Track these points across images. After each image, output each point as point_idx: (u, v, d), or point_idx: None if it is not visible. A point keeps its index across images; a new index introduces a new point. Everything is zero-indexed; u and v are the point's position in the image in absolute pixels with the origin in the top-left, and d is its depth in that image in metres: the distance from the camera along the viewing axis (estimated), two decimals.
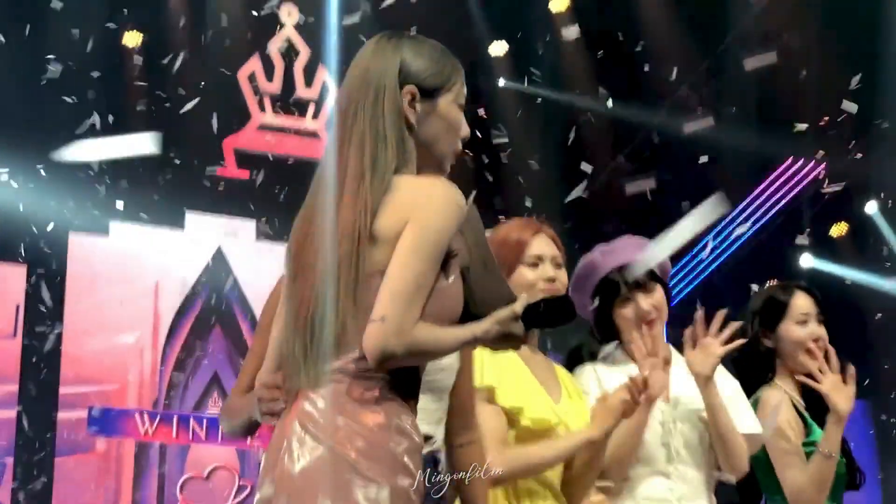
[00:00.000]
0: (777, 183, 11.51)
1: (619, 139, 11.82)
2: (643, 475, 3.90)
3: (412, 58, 2.66)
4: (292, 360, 2.55)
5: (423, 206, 2.50)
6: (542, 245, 3.73)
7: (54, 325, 10.28)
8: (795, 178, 11.47)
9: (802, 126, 10.02)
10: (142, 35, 11.02)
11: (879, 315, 10.96)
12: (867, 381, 6.31)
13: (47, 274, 10.35)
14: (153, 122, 10.60)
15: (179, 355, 10.78)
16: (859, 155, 10.79)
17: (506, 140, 10.76)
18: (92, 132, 9.37)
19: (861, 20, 10.22)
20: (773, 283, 4.64)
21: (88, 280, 10.62)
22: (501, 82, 11.88)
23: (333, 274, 2.51)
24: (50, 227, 10.25)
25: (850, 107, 8.23)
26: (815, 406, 4.31)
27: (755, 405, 4.25)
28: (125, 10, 10.79)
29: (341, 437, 2.44)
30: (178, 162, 10.72)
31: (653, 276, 3.99)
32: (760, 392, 4.34)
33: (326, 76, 11.71)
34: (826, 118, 10.64)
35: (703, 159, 9.61)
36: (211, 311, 10.92)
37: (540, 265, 3.69)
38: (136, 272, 10.77)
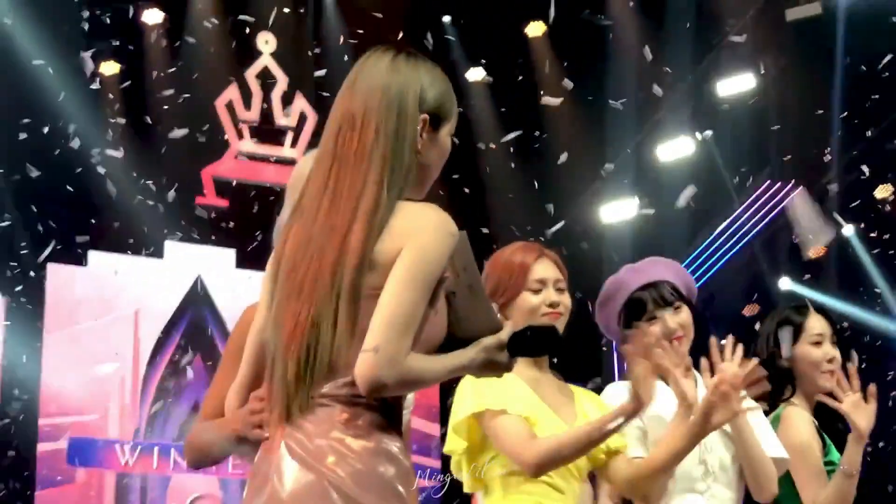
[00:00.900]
0: (755, 206, 11.55)
1: None
2: (678, 492, 3.89)
3: (429, 85, 2.65)
4: (281, 383, 2.51)
5: (418, 234, 2.49)
6: (545, 269, 3.73)
7: (33, 356, 10.23)
8: (773, 201, 11.51)
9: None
10: (119, 65, 11.02)
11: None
12: None
13: (26, 304, 10.31)
14: (131, 150, 10.61)
15: (160, 384, 10.75)
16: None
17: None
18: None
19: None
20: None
21: (67, 310, 10.58)
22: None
23: (335, 299, 2.49)
24: (28, 257, 10.22)
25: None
26: (826, 426, 4.35)
27: (775, 423, 4.28)
28: (101, 40, 10.79)
29: (330, 463, 2.44)
30: (156, 190, 10.70)
31: (679, 296, 4.01)
32: (781, 410, 4.37)
33: (305, 104, 11.72)
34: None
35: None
36: (191, 340, 10.89)
37: (543, 290, 3.70)
38: (115, 302, 10.74)
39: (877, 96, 10.29)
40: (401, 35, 10.37)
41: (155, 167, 10.74)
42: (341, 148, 2.59)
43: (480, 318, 2.59)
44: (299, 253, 2.56)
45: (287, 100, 11.75)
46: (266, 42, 11.73)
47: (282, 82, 11.76)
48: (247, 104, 11.63)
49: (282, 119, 11.73)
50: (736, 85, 10.93)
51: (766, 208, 11.51)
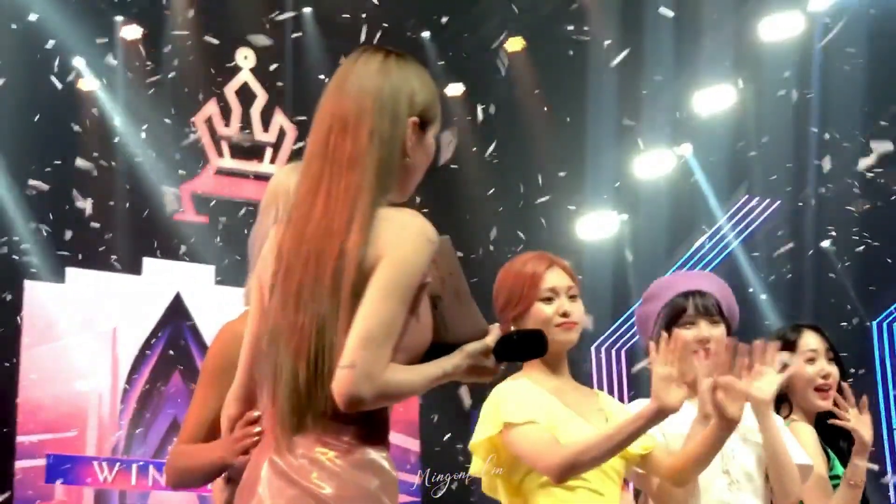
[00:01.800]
0: (734, 220, 11.58)
1: None
2: (703, 503, 3.88)
3: (419, 88, 2.64)
4: (290, 391, 2.47)
5: (396, 244, 2.47)
6: (557, 277, 3.71)
7: (11, 373, 10.19)
8: (751, 216, 11.54)
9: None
10: (98, 81, 11.00)
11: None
12: None
13: (2, 322, 10.26)
14: (109, 166, 10.59)
15: (139, 401, 10.71)
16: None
17: None
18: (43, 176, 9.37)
19: None
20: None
21: (45, 327, 10.54)
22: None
23: (337, 304, 2.45)
24: (5, 275, 10.19)
25: None
26: (827, 441, 4.40)
27: None
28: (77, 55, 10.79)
29: (315, 478, 2.42)
30: (134, 207, 10.68)
31: (721, 313, 4.02)
32: (786, 426, 4.40)
33: (283, 120, 11.72)
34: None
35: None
36: (170, 357, 10.86)
37: (555, 299, 3.68)
38: (93, 318, 10.71)
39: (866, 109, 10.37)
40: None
41: (133, 183, 10.72)
42: (333, 151, 2.57)
43: (467, 323, 2.58)
44: (292, 256, 2.54)
45: (266, 116, 11.75)
46: (245, 58, 11.73)
47: (261, 98, 11.76)
48: (226, 120, 11.62)
49: (261, 135, 11.73)
50: (715, 98, 10.98)
51: (745, 222, 11.54)
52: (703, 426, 3.71)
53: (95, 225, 10.48)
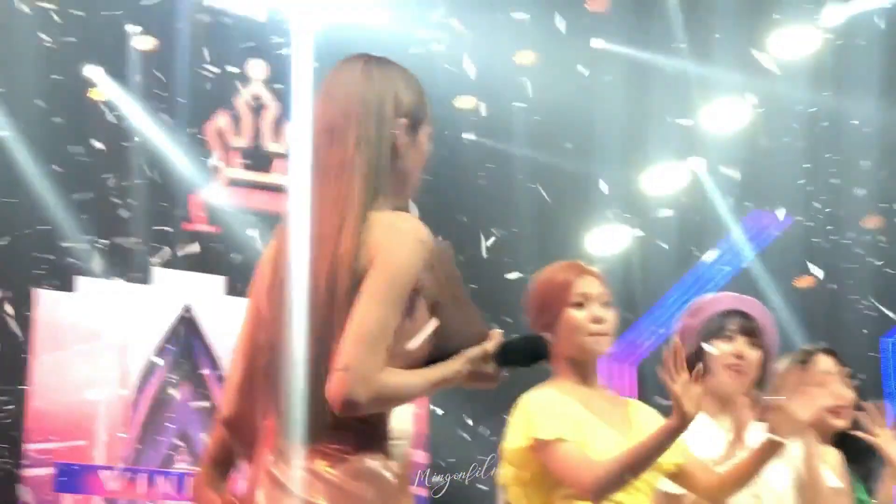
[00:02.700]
0: (745, 235, 11.54)
1: None
2: None
3: (404, 88, 2.65)
4: (288, 403, 2.46)
5: (387, 247, 2.47)
6: (588, 284, 3.66)
7: (20, 382, 10.18)
8: (764, 232, 11.51)
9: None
10: (110, 91, 11.00)
11: None
12: None
13: (12, 330, 10.26)
14: (119, 175, 10.60)
15: (147, 411, 10.70)
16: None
17: None
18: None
19: None
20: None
21: (54, 336, 10.53)
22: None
23: (332, 311, 2.46)
24: (16, 283, 10.19)
25: None
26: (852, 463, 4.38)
27: None
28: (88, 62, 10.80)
29: (309, 489, 2.42)
30: (145, 217, 10.68)
31: (760, 336, 4.01)
32: None
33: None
34: None
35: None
36: (179, 367, 10.85)
37: (586, 304, 3.63)
38: (102, 328, 10.70)
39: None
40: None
41: (143, 192, 10.72)
42: (322, 158, 2.58)
43: (467, 328, 2.57)
44: (286, 265, 2.54)
45: (278, 126, 11.74)
46: (257, 68, 11.73)
47: (273, 108, 11.76)
48: (237, 130, 11.62)
49: (272, 145, 11.73)
50: (728, 113, 10.97)
51: (757, 238, 11.51)
52: (736, 447, 3.69)
53: (105, 234, 10.50)
